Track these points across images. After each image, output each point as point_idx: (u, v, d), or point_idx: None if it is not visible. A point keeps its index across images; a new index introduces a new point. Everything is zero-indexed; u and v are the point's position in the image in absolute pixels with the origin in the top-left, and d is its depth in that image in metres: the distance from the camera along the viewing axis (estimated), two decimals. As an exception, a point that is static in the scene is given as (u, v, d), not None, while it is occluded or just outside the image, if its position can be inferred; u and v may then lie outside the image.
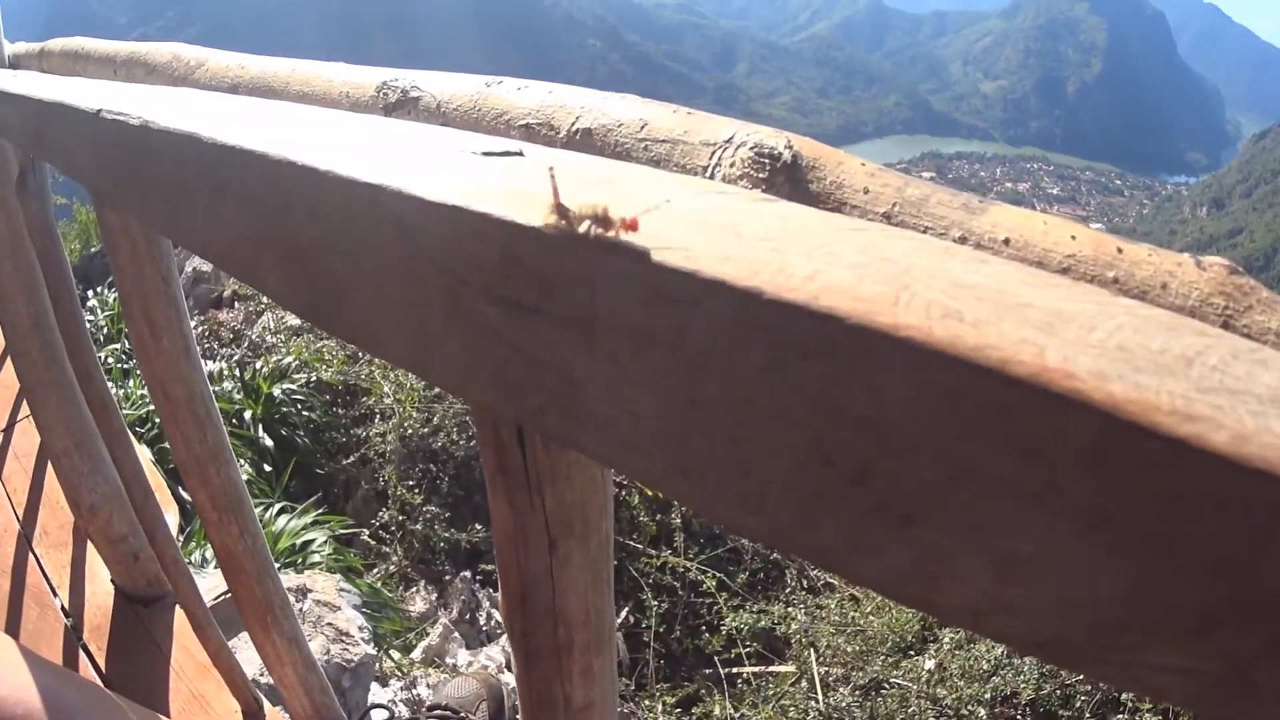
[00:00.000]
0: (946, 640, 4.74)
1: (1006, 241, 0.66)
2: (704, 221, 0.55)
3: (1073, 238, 0.66)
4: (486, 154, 0.70)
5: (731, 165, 0.71)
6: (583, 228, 0.54)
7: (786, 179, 0.70)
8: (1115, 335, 0.43)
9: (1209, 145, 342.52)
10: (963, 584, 0.47)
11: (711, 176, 0.72)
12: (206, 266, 8.64)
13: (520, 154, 0.71)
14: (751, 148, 0.71)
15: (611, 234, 0.53)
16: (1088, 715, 4.16)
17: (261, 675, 3.09)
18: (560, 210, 0.54)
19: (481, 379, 0.68)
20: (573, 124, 0.82)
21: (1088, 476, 0.40)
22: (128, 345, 6.66)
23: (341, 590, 4.17)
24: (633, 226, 0.53)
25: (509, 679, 3.91)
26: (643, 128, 0.77)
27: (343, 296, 0.79)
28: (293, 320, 7.43)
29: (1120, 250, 0.66)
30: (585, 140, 0.81)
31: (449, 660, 4.95)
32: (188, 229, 1.07)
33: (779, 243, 0.51)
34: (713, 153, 0.73)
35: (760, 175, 0.70)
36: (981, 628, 0.48)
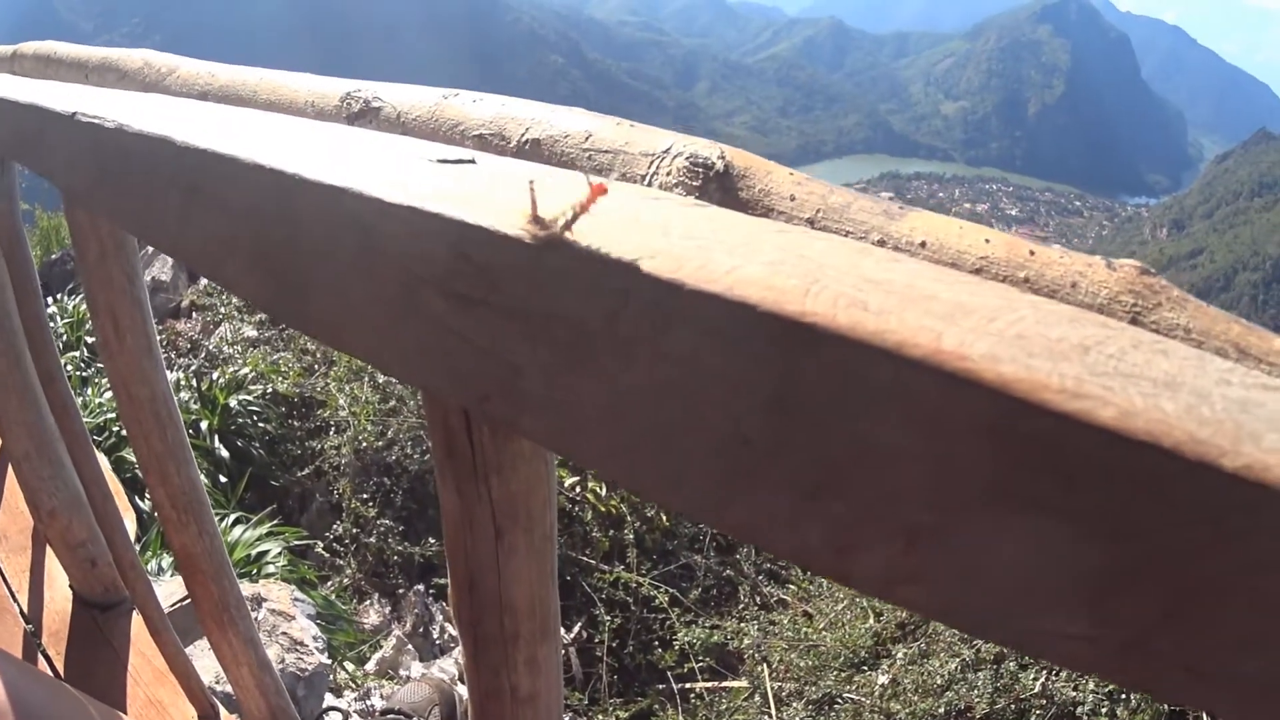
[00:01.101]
0: (900, 655, 4.75)
1: (923, 244, 0.70)
2: (637, 222, 0.60)
3: (986, 241, 0.70)
4: (442, 161, 0.75)
5: (668, 174, 0.75)
6: (559, 224, 0.57)
7: (718, 186, 0.74)
8: (1015, 325, 0.47)
9: (1170, 167, 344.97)
10: (872, 554, 0.51)
11: (649, 184, 0.76)
12: (165, 276, 8.61)
13: (473, 161, 0.75)
14: (687, 158, 0.75)
15: (583, 214, 0.57)
16: (1042, 729, 4.17)
17: (218, 683, 3.10)
18: (539, 221, 0.58)
19: (432, 369, 0.73)
20: (523, 134, 0.87)
21: (983, 450, 0.45)
22: (87, 353, 6.66)
23: (296, 600, 4.17)
24: (601, 190, 0.57)
25: (463, 690, 3.93)
26: (587, 139, 0.82)
27: (307, 293, 0.83)
28: (250, 331, 7.43)
29: (1032, 252, 0.70)
30: (534, 150, 0.85)
31: (403, 672, 4.97)
32: (159, 229, 1.10)
33: (704, 242, 0.55)
34: (651, 162, 0.77)
35: (694, 183, 0.74)
36: (891, 596, 0.52)
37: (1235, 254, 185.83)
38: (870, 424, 0.48)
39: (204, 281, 8.41)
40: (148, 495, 4.80)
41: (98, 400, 5.78)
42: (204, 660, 2.79)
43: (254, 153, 0.81)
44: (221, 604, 2.01)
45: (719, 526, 0.58)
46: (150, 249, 8.44)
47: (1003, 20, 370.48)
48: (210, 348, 7.16)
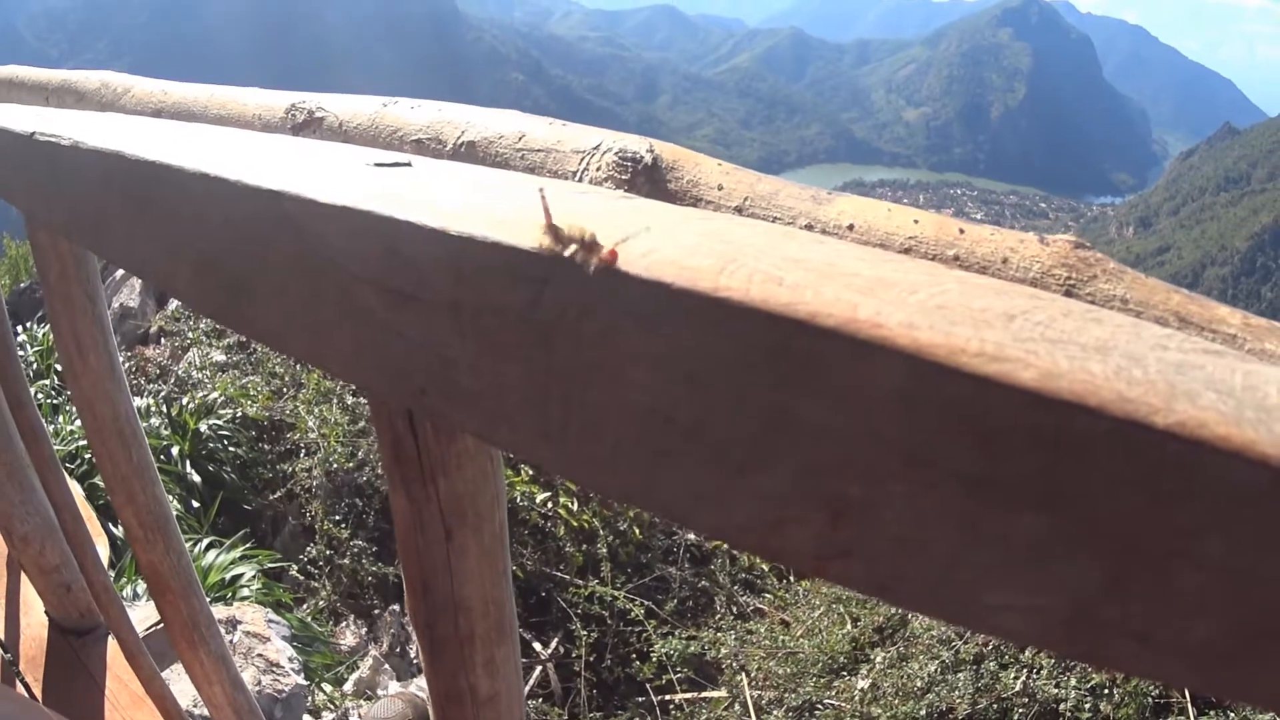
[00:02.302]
0: (879, 659, 4.76)
1: (851, 227, 0.72)
2: (563, 214, 0.61)
3: (915, 222, 0.72)
4: (378, 164, 0.77)
5: (598, 169, 0.77)
6: (569, 251, 0.56)
7: (647, 179, 0.76)
8: (938, 297, 0.48)
9: (1135, 166, 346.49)
10: (801, 529, 0.51)
11: (580, 180, 0.78)
12: (133, 302, 8.58)
13: (409, 164, 0.77)
14: (616, 153, 0.77)
15: (594, 260, 0.56)
16: (1026, 728, 4.18)
17: (195, 706, 3.10)
18: (553, 231, 0.57)
19: (370, 365, 0.74)
20: (459, 137, 0.89)
21: (902, 418, 0.45)
22: (57, 381, 6.64)
23: (271, 622, 4.17)
24: (613, 258, 0.55)
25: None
26: (520, 139, 0.84)
27: (249, 297, 0.85)
28: (219, 356, 7.42)
29: (962, 231, 0.71)
30: (469, 152, 0.87)
31: (380, 692, 4.96)
32: (111, 243, 1.13)
33: (627, 230, 0.57)
34: (582, 159, 0.79)
35: (623, 177, 0.76)
36: (826, 573, 0.52)
37: (1203, 249, 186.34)
38: (788, 396, 0.49)
39: (172, 306, 8.40)
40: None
41: (69, 428, 5.76)
42: (180, 684, 2.79)
43: (199, 163, 0.83)
44: (191, 622, 2.01)
45: (648, 507, 0.59)
46: (119, 274, 8.41)
47: (963, 25, 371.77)
48: (179, 373, 7.15)
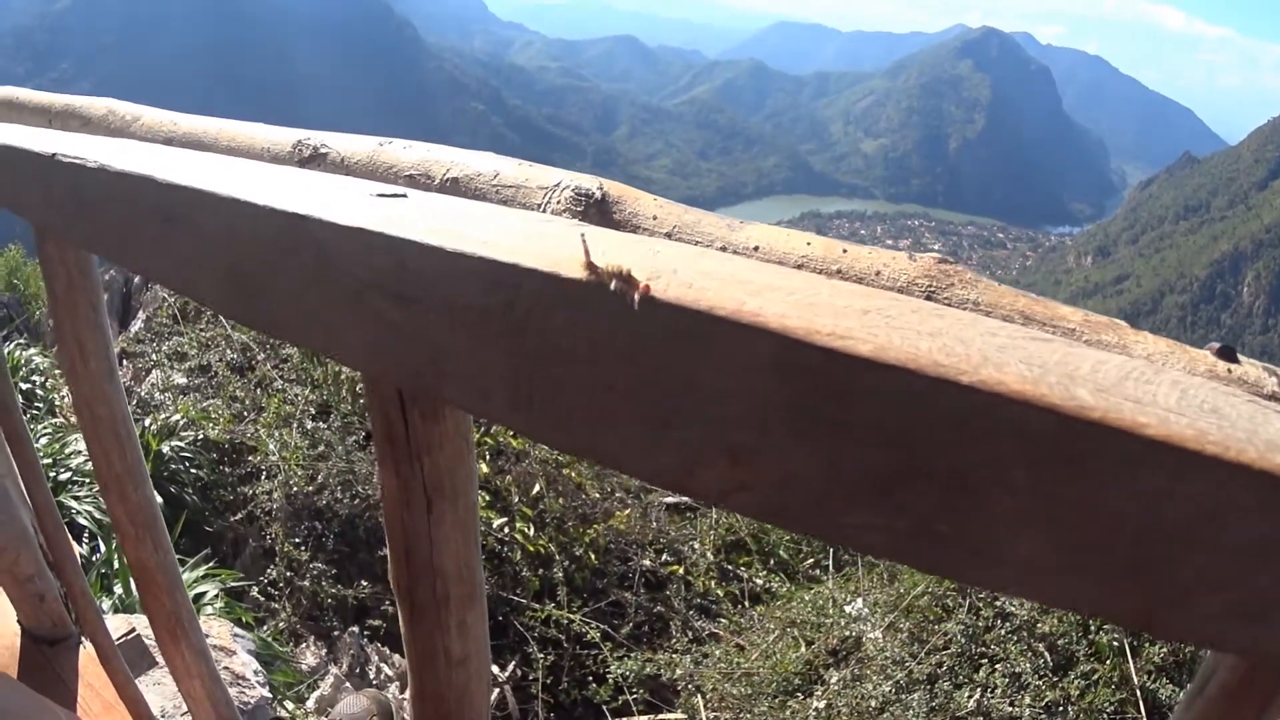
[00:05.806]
0: (833, 680, 4.82)
1: (756, 248, 0.86)
2: (529, 235, 0.79)
3: (808, 244, 0.85)
4: (380, 195, 0.93)
5: (558, 203, 0.93)
6: (612, 285, 0.70)
7: (598, 211, 0.92)
8: (811, 298, 0.65)
9: (1093, 195, 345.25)
10: (710, 469, 0.69)
11: (544, 211, 0.94)
12: (96, 325, 8.58)
13: (405, 195, 0.93)
14: (572, 189, 0.93)
15: (635, 294, 0.69)
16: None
17: (163, 716, 3.17)
18: (590, 268, 0.72)
19: (375, 355, 0.91)
20: (444, 174, 1.04)
21: (777, 381, 0.63)
22: (21, 400, 6.64)
23: (236, 635, 4.20)
24: (647, 290, 0.69)
25: (401, 698, 3.96)
26: (495, 177, 1.00)
27: (271, 300, 1.01)
28: (180, 379, 7.41)
29: (845, 250, 0.84)
30: (453, 186, 1.03)
31: (342, 709, 5.01)
32: (135, 255, 1.29)
33: (578, 249, 0.73)
34: (545, 194, 0.95)
35: (578, 209, 0.92)
36: (727, 503, 0.70)
37: (1162, 277, 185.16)
38: (696, 367, 0.66)
39: (134, 328, 8.40)
40: (89, 535, 4.84)
41: (35, 447, 5.75)
42: (149, 694, 2.86)
43: (228, 188, 0.99)
44: (175, 616, 2.13)
45: (594, 458, 0.76)
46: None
47: (922, 57, 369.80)
48: (142, 395, 7.12)
